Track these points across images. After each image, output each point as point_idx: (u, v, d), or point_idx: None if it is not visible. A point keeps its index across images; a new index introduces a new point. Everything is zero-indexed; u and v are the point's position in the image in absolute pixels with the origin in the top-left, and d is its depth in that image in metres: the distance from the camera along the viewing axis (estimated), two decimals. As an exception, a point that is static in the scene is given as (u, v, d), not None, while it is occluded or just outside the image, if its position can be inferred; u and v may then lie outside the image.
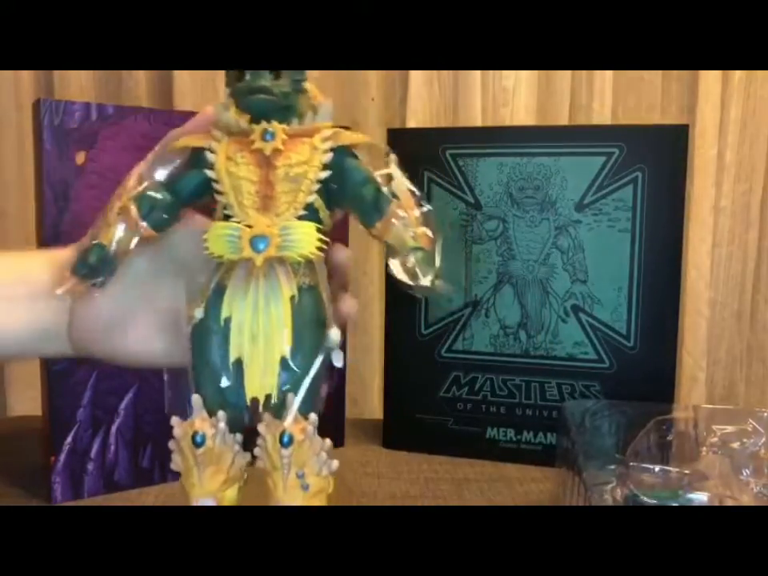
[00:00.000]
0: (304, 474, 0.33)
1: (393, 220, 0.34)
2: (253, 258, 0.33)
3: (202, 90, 0.83)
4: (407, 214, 0.34)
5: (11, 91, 0.85)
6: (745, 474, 0.53)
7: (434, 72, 0.88)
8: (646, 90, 0.88)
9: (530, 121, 0.88)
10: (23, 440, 0.72)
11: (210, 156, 0.35)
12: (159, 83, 0.86)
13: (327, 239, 0.35)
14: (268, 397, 0.34)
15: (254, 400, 0.34)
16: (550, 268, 0.69)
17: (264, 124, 0.34)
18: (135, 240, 0.36)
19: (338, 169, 0.35)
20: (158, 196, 0.36)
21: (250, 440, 0.35)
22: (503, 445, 0.71)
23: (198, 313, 0.35)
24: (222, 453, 0.34)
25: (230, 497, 0.35)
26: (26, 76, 0.85)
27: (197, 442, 0.34)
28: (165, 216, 0.36)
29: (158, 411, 0.59)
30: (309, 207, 0.34)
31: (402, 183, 0.35)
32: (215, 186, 0.35)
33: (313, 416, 0.33)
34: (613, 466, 0.54)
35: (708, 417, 0.58)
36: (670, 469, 0.53)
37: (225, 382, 0.34)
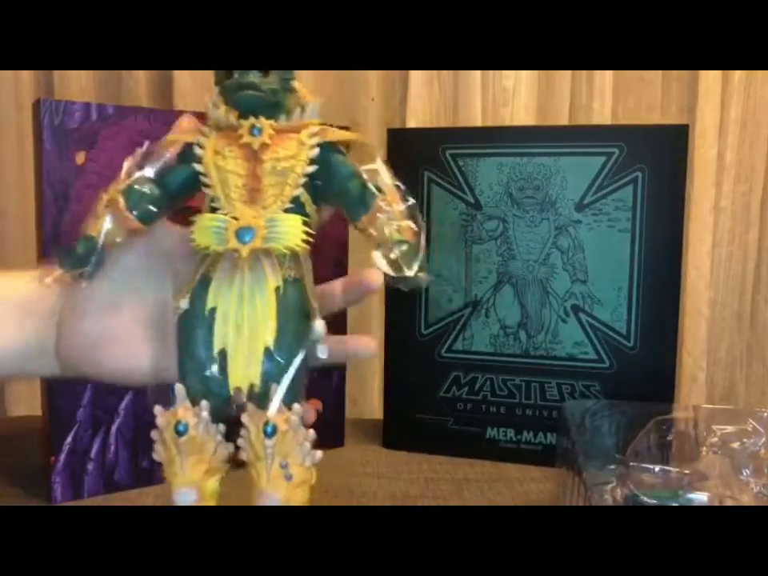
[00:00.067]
0: (288, 464, 0.33)
1: (378, 214, 0.35)
2: (239, 249, 0.34)
3: (201, 90, 0.83)
4: (392, 208, 0.35)
5: (11, 91, 0.85)
6: (745, 473, 0.53)
7: (434, 72, 0.88)
8: (646, 90, 0.88)
9: (530, 121, 0.88)
10: (23, 440, 0.72)
11: (198, 150, 0.35)
12: (159, 83, 0.86)
13: (313, 232, 0.35)
14: (251, 387, 0.34)
15: (238, 390, 0.34)
16: (550, 268, 0.69)
17: (252, 119, 0.34)
18: (123, 232, 0.36)
19: (324, 164, 0.35)
20: (146, 189, 0.36)
21: (231, 431, 0.35)
22: (503, 445, 0.71)
23: (184, 303, 0.35)
24: (204, 442, 0.35)
25: (211, 487, 0.35)
26: (26, 76, 0.85)
27: (179, 431, 0.34)
28: (153, 209, 0.36)
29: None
30: (295, 201, 0.35)
31: (387, 178, 0.35)
32: (203, 179, 0.35)
33: (296, 406, 0.34)
34: (613, 466, 0.54)
35: (708, 417, 0.58)
36: (670, 469, 0.53)
37: (209, 372, 0.35)
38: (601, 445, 0.57)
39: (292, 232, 0.34)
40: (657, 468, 0.53)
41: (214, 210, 0.35)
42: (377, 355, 0.38)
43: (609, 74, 0.86)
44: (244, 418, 0.34)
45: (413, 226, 0.35)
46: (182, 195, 0.37)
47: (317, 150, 0.35)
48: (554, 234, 0.69)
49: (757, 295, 0.91)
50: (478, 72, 0.86)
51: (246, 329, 0.34)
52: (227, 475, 0.36)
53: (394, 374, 0.74)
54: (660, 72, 0.88)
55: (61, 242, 0.57)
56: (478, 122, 0.87)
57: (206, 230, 0.34)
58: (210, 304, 0.35)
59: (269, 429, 0.33)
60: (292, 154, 0.35)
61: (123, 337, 0.38)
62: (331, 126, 0.36)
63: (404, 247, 0.34)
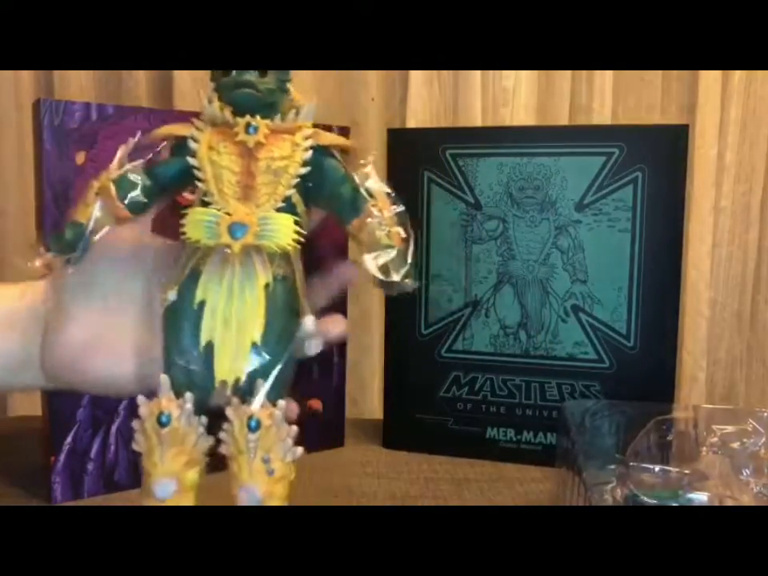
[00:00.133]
0: (270, 458, 0.34)
1: (368, 219, 0.35)
2: (230, 245, 0.34)
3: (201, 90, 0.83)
4: (382, 214, 0.35)
5: (11, 91, 0.85)
6: (745, 473, 0.53)
7: (434, 72, 0.88)
8: (646, 90, 0.88)
9: (529, 121, 0.88)
10: (23, 440, 0.72)
11: (192, 144, 0.35)
12: (159, 83, 0.86)
13: (304, 232, 0.35)
14: (237, 381, 0.35)
15: (223, 383, 0.35)
16: (550, 268, 0.69)
17: (248, 117, 0.35)
18: (112, 220, 0.36)
19: (316, 167, 0.36)
20: (138, 179, 0.36)
21: (213, 424, 0.35)
22: (503, 445, 0.71)
23: (172, 295, 0.35)
24: (186, 434, 0.35)
25: (191, 478, 0.35)
26: (26, 76, 0.85)
27: (162, 421, 0.34)
28: (143, 200, 0.36)
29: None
30: (287, 201, 0.35)
31: (377, 184, 0.36)
32: (197, 173, 0.35)
33: (281, 402, 0.34)
34: (613, 466, 0.54)
35: (708, 417, 0.58)
36: (670, 469, 0.53)
37: (194, 364, 0.35)
38: (601, 445, 0.56)
39: (284, 231, 0.34)
40: (657, 468, 0.53)
41: (205, 204, 0.35)
42: (347, 336, 0.38)
43: (609, 73, 0.86)
44: (228, 412, 0.34)
45: (401, 232, 0.35)
46: (172, 188, 0.38)
47: (310, 153, 0.35)
48: (554, 234, 0.69)
49: (757, 295, 0.91)
50: (478, 72, 0.86)
51: (234, 323, 0.35)
52: (206, 467, 0.36)
53: (394, 373, 0.74)
54: (660, 72, 0.88)
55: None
56: (478, 122, 0.87)
57: (198, 223, 0.35)
58: (198, 297, 0.35)
59: (253, 423, 0.33)
60: (287, 154, 0.35)
61: (107, 344, 0.38)
62: (330, 126, 0.37)
63: (392, 253, 0.35)
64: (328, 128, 0.66)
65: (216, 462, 0.35)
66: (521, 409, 0.70)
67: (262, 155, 0.35)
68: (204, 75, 0.36)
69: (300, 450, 0.35)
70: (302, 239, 0.35)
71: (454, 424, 0.72)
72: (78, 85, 0.85)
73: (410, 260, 0.35)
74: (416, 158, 0.70)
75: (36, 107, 0.57)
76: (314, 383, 0.72)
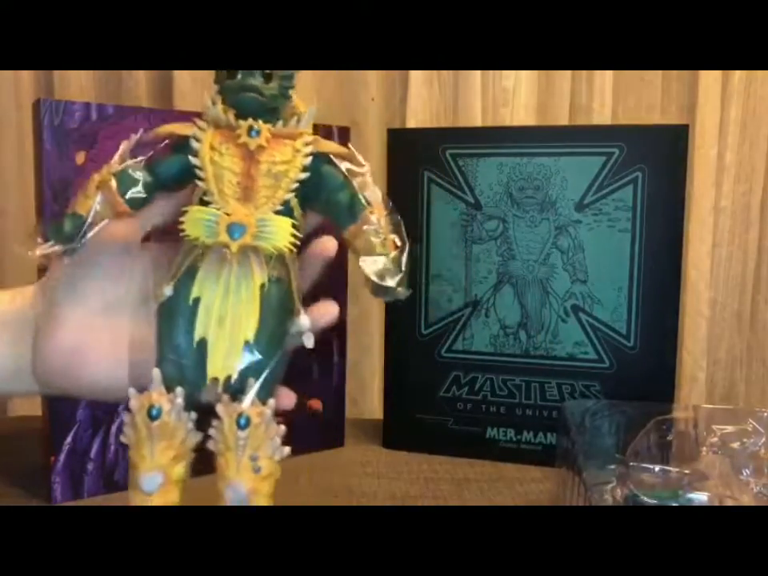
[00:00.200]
0: (258, 456, 0.34)
1: (365, 225, 0.36)
2: (228, 244, 0.34)
3: (201, 90, 0.83)
4: (378, 221, 0.36)
5: (11, 91, 0.85)
6: (745, 473, 0.53)
7: (434, 72, 0.88)
8: (646, 90, 0.88)
9: (530, 121, 0.88)
10: (23, 440, 0.72)
11: (194, 143, 0.36)
12: (159, 83, 0.86)
13: (300, 236, 0.36)
14: (228, 378, 0.35)
15: (215, 380, 0.35)
16: (550, 268, 0.69)
17: (251, 121, 0.35)
18: (111, 214, 0.37)
19: (315, 173, 0.36)
20: (139, 175, 0.37)
21: (202, 420, 0.36)
22: (503, 445, 0.71)
23: (168, 290, 0.36)
24: (175, 428, 0.35)
25: (178, 473, 0.35)
26: (26, 76, 0.85)
27: (152, 415, 0.34)
28: (143, 196, 0.37)
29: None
30: (285, 204, 0.36)
31: (374, 191, 0.37)
32: (198, 172, 0.36)
33: (271, 401, 0.35)
34: (613, 466, 0.54)
35: (708, 417, 0.58)
36: (670, 469, 0.53)
37: (186, 360, 0.35)
38: (601, 445, 0.57)
39: (281, 233, 0.35)
40: (657, 468, 0.53)
41: (204, 203, 0.36)
42: (336, 319, 0.38)
43: (609, 73, 0.86)
44: (218, 409, 0.35)
45: (397, 240, 0.36)
46: (172, 186, 0.38)
47: (309, 159, 0.36)
48: (554, 234, 0.69)
49: (757, 295, 0.91)
50: (478, 72, 0.86)
51: (228, 321, 0.35)
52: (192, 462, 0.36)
53: (394, 373, 0.74)
54: (660, 72, 0.88)
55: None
56: (477, 122, 0.87)
57: (197, 221, 0.35)
58: (194, 294, 0.35)
59: (242, 421, 0.34)
60: (287, 159, 0.36)
61: (98, 348, 0.37)
62: (330, 126, 0.37)
63: (387, 260, 0.36)
64: (328, 128, 0.66)
65: (205, 465, 0.35)
66: (521, 409, 0.70)
67: (263, 158, 0.35)
68: (204, 75, 0.37)
69: (287, 449, 0.35)
70: (299, 242, 0.36)
71: (454, 424, 0.72)
72: (78, 85, 0.85)
73: (404, 268, 0.36)
74: (416, 158, 0.70)
75: (36, 107, 0.57)
76: (314, 383, 0.72)
